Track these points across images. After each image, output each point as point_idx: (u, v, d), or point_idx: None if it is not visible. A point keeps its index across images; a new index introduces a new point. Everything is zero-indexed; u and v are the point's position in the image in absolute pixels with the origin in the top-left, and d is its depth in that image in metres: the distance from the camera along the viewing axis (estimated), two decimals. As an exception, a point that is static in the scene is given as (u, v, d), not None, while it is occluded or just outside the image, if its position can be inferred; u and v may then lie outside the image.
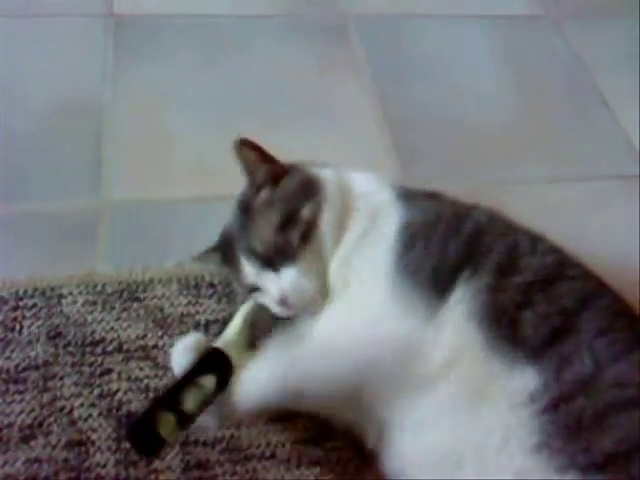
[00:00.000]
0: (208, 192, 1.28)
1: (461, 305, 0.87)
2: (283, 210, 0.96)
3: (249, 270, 0.96)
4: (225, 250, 1.02)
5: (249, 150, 0.98)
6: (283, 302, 0.92)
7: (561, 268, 0.92)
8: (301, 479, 0.95)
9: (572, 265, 0.94)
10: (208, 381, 0.89)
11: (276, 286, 0.93)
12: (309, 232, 0.95)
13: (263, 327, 0.96)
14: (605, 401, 0.82)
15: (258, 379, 0.89)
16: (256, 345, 0.94)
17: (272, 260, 0.94)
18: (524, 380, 0.83)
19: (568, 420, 0.81)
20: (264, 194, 1.00)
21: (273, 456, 0.96)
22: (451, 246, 0.91)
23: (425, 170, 1.37)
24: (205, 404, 0.87)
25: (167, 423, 0.84)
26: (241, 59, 1.52)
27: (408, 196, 0.98)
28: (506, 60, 1.60)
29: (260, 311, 0.97)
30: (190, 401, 0.86)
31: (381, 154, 1.39)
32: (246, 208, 1.00)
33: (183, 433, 0.90)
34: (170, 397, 0.86)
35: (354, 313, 0.90)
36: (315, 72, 1.52)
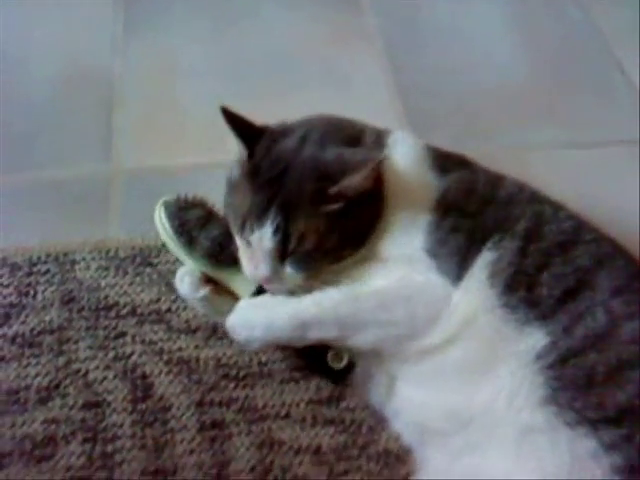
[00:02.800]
0: (218, 159, 1.27)
1: (486, 269, 0.87)
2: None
3: (266, 241, 0.88)
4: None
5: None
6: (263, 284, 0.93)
7: (579, 232, 0.93)
8: (316, 438, 0.95)
9: (589, 230, 0.94)
10: None
11: (269, 269, 0.90)
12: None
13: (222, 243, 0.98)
14: (619, 357, 0.82)
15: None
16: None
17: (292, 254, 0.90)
18: (533, 341, 0.84)
19: (576, 375, 0.81)
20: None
21: (288, 416, 0.97)
22: (485, 214, 0.91)
23: (437, 138, 1.35)
24: None
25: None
26: (252, 27, 1.51)
27: (442, 165, 0.97)
28: (520, 26, 1.58)
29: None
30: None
31: (394, 122, 1.37)
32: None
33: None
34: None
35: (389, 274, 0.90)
36: (327, 40, 1.51)
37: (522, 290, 0.86)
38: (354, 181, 0.88)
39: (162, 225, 1.02)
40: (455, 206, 0.92)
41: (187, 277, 1.00)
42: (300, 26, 1.52)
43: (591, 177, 1.31)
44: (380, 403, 0.95)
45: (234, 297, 1.00)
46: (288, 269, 0.90)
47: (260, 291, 0.95)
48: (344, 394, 0.98)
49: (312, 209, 0.88)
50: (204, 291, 0.99)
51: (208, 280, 1.00)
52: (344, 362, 0.94)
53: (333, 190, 0.87)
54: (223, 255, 0.96)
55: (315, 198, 0.88)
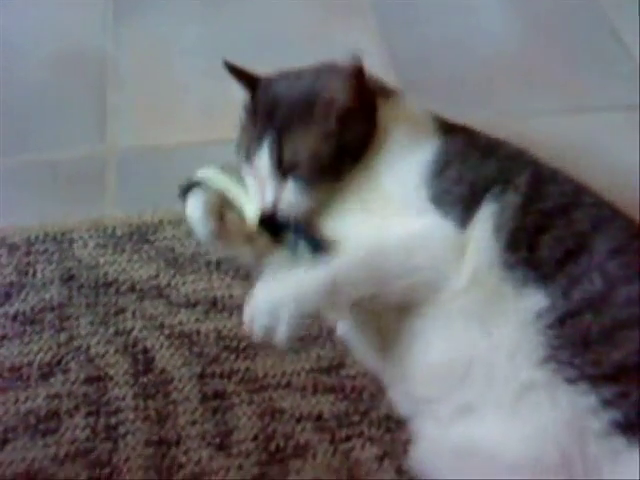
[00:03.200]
0: (213, 136, 1.28)
1: (489, 221, 0.88)
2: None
3: (264, 159, 0.94)
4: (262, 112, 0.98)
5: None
6: (273, 207, 0.94)
7: (579, 195, 0.93)
8: (317, 406, 0.96)
9: (588, 193, 0.95)
10: None
11: (273, 191, 0.94)
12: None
13: None
14: (614, 318, 0.82)
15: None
16: None
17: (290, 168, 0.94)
18: (533, 302, 0.84)
19: (575, 334, 0.82)
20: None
21: (288, 385, 0.97)
22: (486, 165, 0.93)
23: (431, 107, 1.35)
24: None
25: None
26: (245, 5, 1.50)
27: (444, 127, 0.99)
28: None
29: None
30: None
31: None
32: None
33: None
34: None
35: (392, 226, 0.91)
36: (320, 15, 1.50)
37: (523, 250, 0.86)
38: (338, 94, 0.93)
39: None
40: (457, 159, 0.93)
41: (203, 205, 0.98)
42: (292, 2, 1.51)
43: (589, 143, 1.31)
44: (377, 370, 0.96)
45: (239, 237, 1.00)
46: (290, 187, 0.93)
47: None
48: (344, 362, 0.99)
49: (304, 127, 0.94)
50: (212, 225, 0.98)
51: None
52: None
53: (318, 104, 0.93)
54: None
55: (306, 117, 0.94)
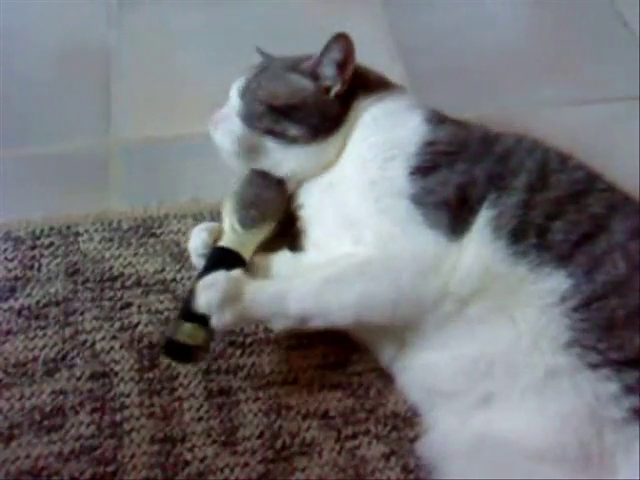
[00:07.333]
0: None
1: (488, 227, 0.86)
2: (292, 103, 0.99)
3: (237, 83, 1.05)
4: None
5: (347, 46, 1.01)
6: (214, 120, 1.04)
7: (591, 182, 0.92)
8: (323, 403, 0.95)
9: (600, 179, 0.94)
10: None
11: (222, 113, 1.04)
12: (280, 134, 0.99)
13: (256, 203, 1.00)
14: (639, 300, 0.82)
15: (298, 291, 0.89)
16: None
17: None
18: (554, 282, 0.83)
19: (600, 318, 0.81)
20: (306, 82, 1.01)
21: (295, 381, 0.97)
22: (478, 169, 0.90)
23: (439, 97, 1.33)
24: None
25: (193, 331, 0.87)
26: (248, -6, 1.49)
27: (436, 120, 0.97)
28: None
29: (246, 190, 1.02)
30: None
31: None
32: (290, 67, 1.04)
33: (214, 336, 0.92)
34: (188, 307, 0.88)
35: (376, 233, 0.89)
36: (325, 3, 1.48)
37: (532, 237, 0.85)
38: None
39: None
40: (444, 159, 0.91)
41: (204, 233, 1.00)
42: (296, -11, 1.50)
43: (594, 134, 1.29)
44: (388, 365, 0.95)
45: None
46: (235, 120, 1.02)
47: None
48: (351, 359, 0.98)
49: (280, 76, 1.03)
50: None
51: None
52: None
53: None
54: (248, 213, 0.99)
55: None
